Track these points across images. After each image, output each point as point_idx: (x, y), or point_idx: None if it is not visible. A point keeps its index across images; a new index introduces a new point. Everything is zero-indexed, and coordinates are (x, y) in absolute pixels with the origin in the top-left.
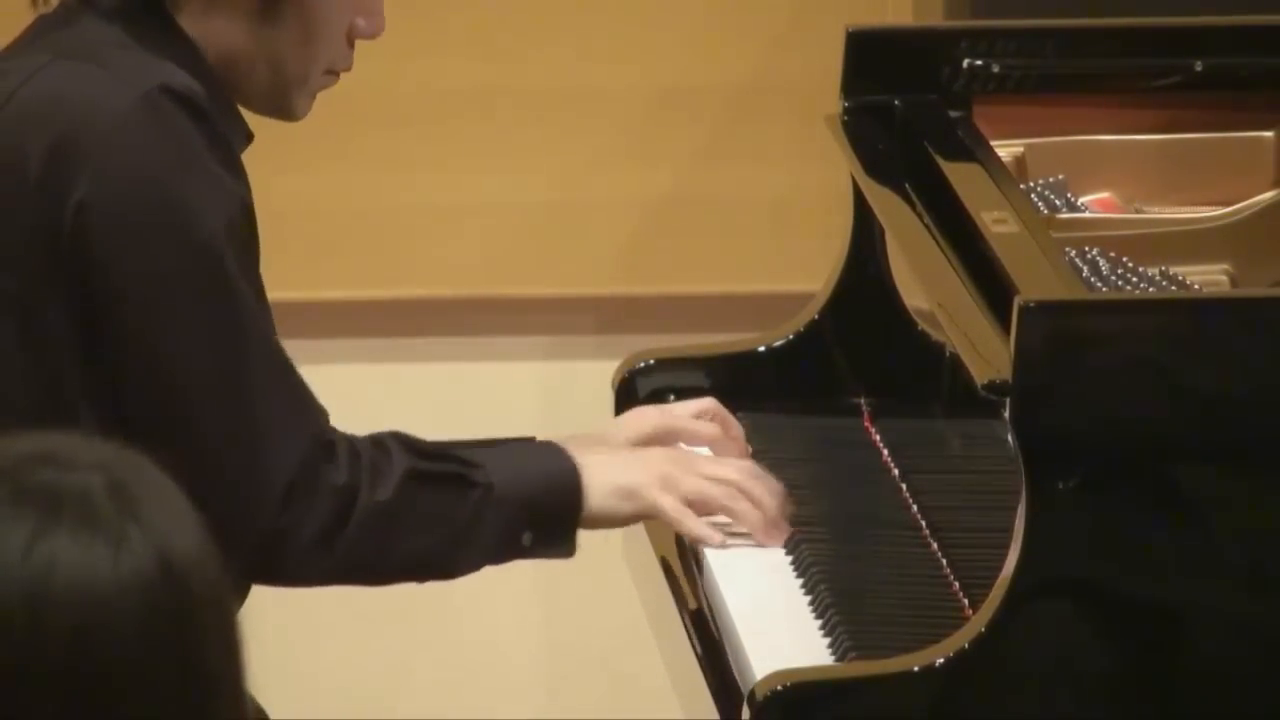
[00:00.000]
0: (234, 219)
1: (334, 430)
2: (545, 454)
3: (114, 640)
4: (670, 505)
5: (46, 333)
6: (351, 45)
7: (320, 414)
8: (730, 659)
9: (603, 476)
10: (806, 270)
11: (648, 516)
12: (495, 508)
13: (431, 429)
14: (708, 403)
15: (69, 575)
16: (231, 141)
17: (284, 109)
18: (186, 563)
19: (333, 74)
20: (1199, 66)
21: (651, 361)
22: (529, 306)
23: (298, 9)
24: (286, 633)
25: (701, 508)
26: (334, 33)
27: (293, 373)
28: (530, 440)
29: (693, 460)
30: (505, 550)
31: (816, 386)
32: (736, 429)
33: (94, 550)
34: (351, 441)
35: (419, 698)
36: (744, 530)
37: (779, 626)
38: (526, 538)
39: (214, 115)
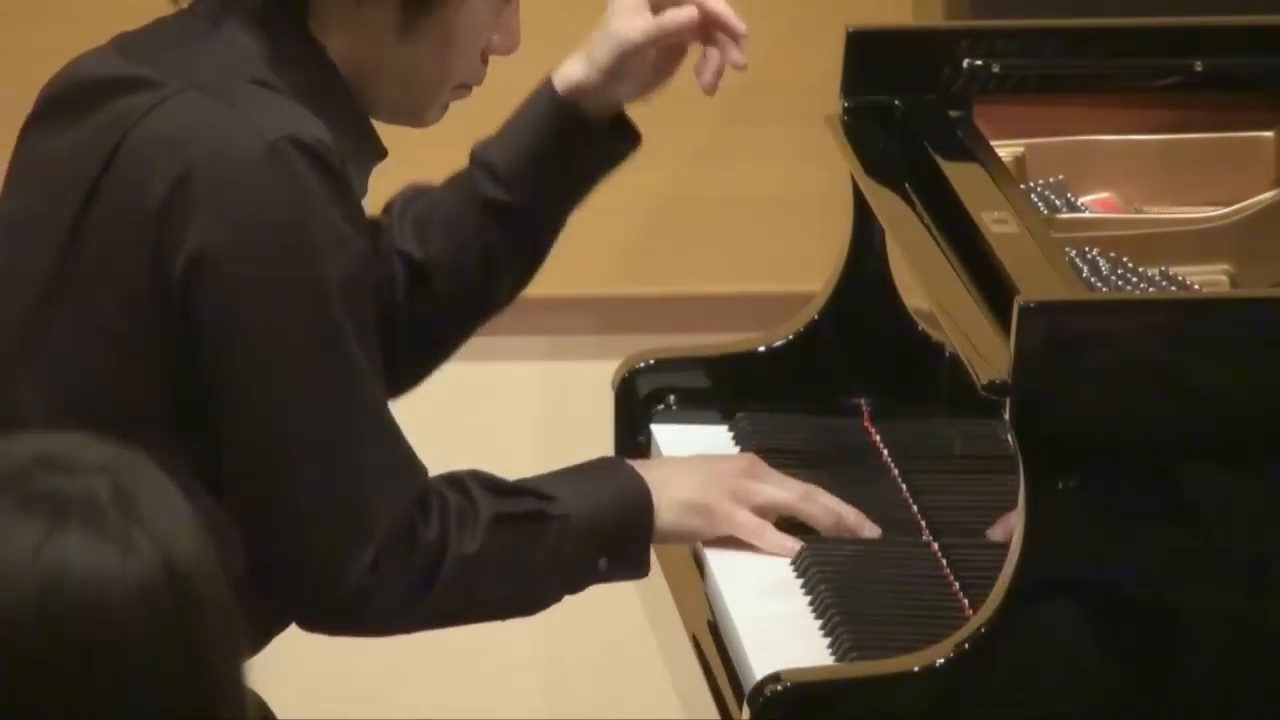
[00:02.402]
0: (353, 275)
1: (428, 483)
2: (614, 475)
3: (122, 642)
4: (745, 522)
5: (141, 368)
6: (485, 61)
7: (421, 475)
8: (730, 659)
9: (673, 494)
10: (806, 270)
11: (721, 532)
12: (573, 539)
13: (432, 429)
14: None
15: (80, 579)
16: (357, 196)
17: (414, 120)
18: (189, 565)
19: (465, 88)
20: (1199, 66)
21: (651, 361)
22: (529, 306)
23: (439, 27)
24: (284, 632)
25: (772, 515)
26: (471, 50)
27: (398, 434)
28: (591, 462)
29: (763, 471)
30: (583, 578)
31: (816, 386)
32: None
33: (103, 554)
34: (440, 491)
35: (418, 697)
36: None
37: (779, 626)
38: (603, 563)
39: (343, 169)
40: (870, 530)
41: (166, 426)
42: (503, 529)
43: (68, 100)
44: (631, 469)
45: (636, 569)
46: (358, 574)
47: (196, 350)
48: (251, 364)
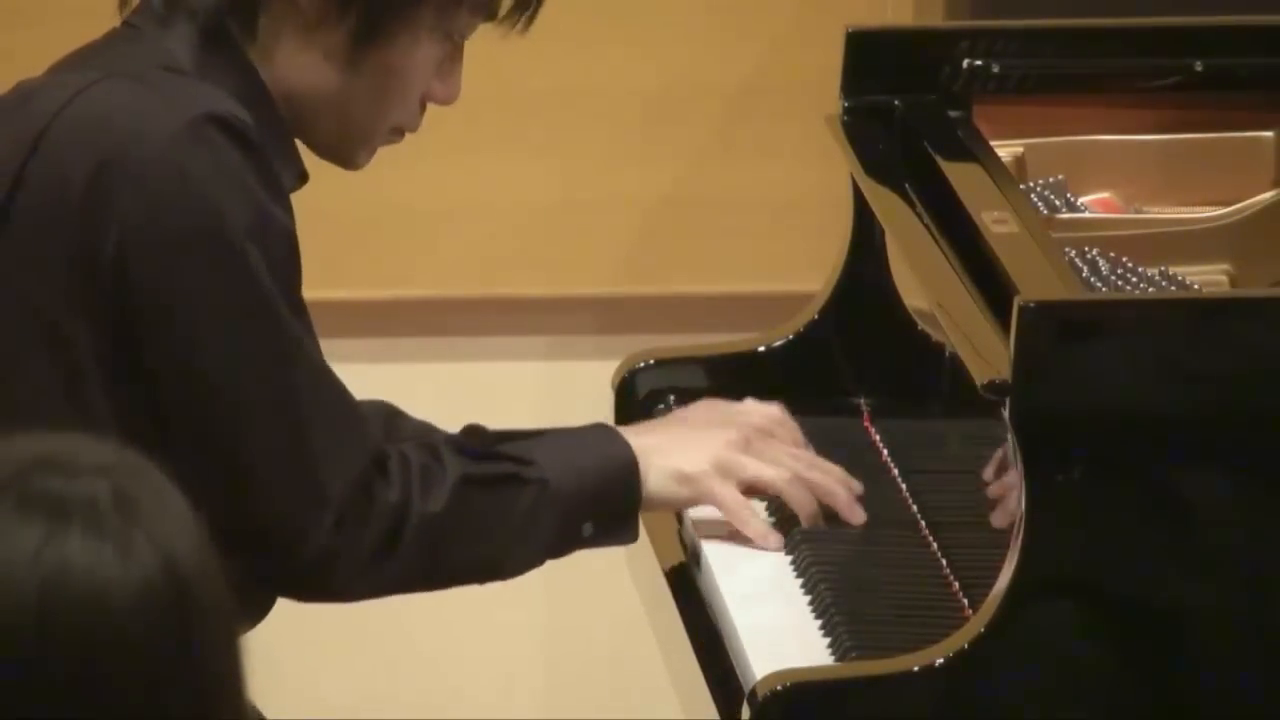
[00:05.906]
0: (272, 241)
1: (385, 446)
2: (599, 441)
3: (121, 645)
4: (730, 499)
5: (74, 350)
6: (423, 109)
7: (372, 437)
8: (730, 659)
9: (660, 460)
10: (806, 270)
11: (704, 503)
12: (552, 504)
13: None
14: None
15: (80, 581)
16: (279, 175)
17: (344, 158)
18: (189, 567)
19: (398, 132)
20: (1199, 66)
21: (651, 361)
22: (529, 306)
23: (384, 64)
24: (284, 632)
25: (759, 491)
26: (410, 93)
27: (343, 392)
28: (583, 428)
29: (760, 443)
30: (566, 543)
31: (816, 386)
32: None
33: (103, 557)
34: (402, 452)
35: (418, 697)
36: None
37: (779, 626)
38: (587, 529)
39: (263, 146)
40: (857, 516)
41: (104, 412)
42: (472, 491)
43: (5, 105)
44: (620, 436)
45: (624, 535)
46: (320, 537)
47: (127, 333)
48: (185, 341)
